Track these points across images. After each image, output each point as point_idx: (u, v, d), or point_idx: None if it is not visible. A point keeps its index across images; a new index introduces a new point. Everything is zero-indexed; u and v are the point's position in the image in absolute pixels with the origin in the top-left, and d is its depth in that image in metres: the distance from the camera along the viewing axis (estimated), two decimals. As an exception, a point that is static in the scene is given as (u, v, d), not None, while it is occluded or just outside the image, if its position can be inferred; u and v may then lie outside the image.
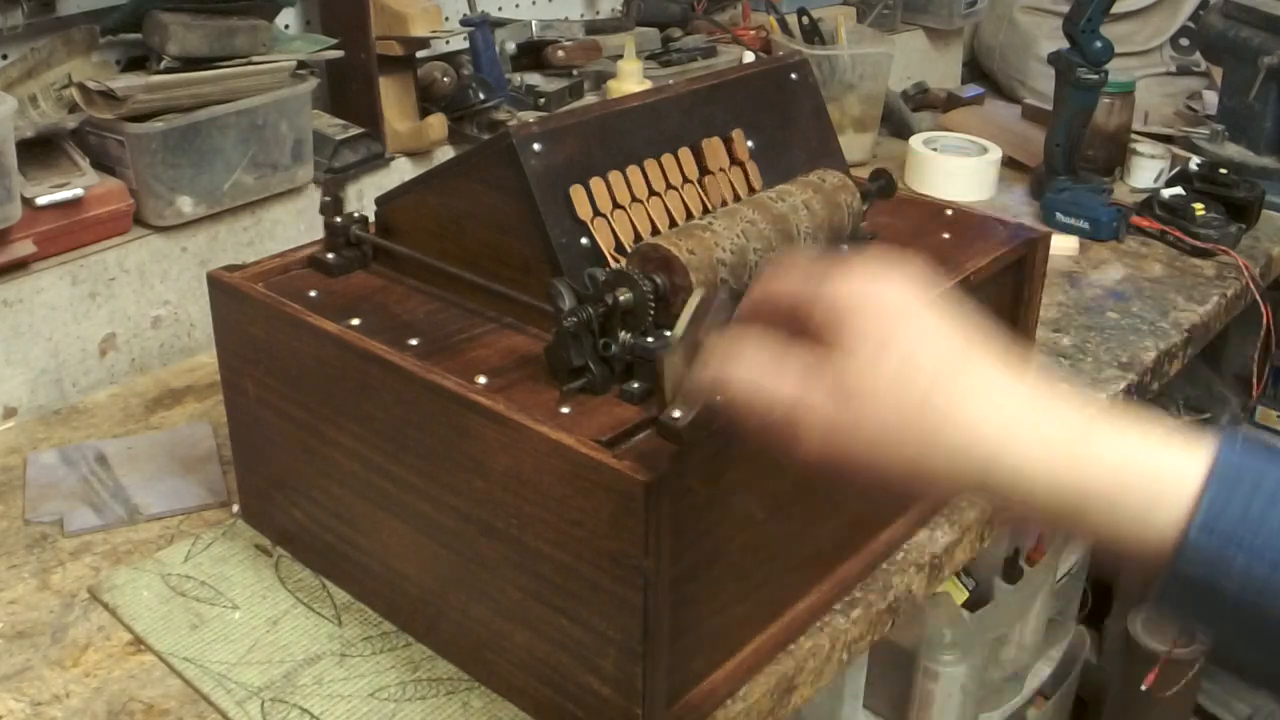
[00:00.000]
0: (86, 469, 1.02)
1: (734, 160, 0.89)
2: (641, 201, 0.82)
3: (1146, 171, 1.69)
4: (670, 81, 1.20)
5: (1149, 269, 1.44)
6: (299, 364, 0.82)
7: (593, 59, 1.60)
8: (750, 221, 0.81)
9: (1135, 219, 1.52)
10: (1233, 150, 1.72)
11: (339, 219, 0.90)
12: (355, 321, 0.81)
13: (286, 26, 1.35)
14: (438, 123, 1.39)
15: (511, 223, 0.79)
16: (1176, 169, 1.65)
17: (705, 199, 0.86)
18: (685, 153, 0.86)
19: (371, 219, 0.91)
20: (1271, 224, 1.56)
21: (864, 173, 0.97)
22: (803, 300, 0.53)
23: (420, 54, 1.40)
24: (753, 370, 0.53)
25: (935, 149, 1.66)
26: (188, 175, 1.15)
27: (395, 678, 0.80)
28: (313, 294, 0.86)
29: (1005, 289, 0.98)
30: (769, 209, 0.82)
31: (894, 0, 2.04)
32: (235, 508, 0.96)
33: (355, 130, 1.32)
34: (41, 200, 1.06)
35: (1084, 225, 1.51)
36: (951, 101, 1.97)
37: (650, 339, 0.72)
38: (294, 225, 1.28)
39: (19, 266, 1.07)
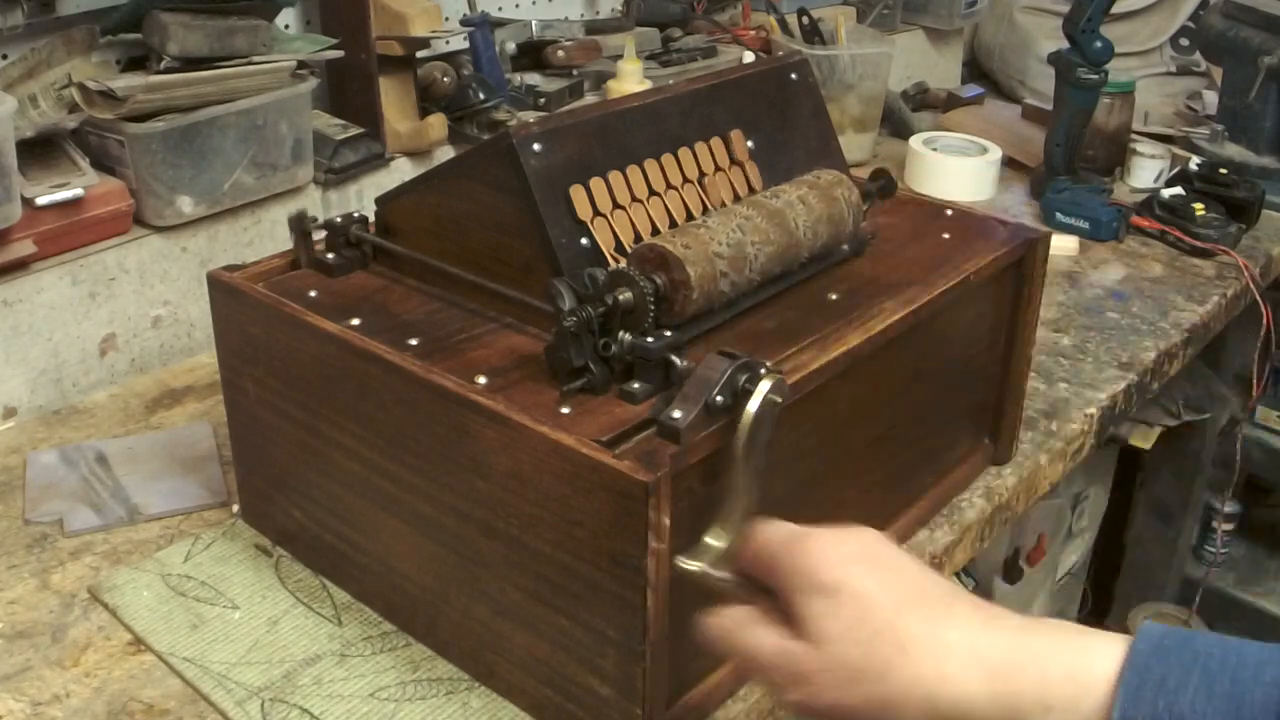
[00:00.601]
0: (86, 469, 1.02)
1: (734, 160, 0.89)
2: (641, 201, 0.82)
3: (1146, 171, 1.69)
4: (670, 81, 1.20)
5: (1149, 269, 1.44)
6: (299, 364, 0.82)
7: (593, 59, 1.60)
8: (746, 217, 0.81)
9: (1135, 219, 1.52)
10: (1233, 150, 1.72)
11: (338, 219, 0.90)
12: (355, 321, 0.81)
13: (286, 26, 1.35)
14: (438, 123, 1.39)
15: (511, 223, 0.79)
16: (1176, 169, 1.65)
17: (705, 199, 0.86)
18: (685, 153, 0.86)
19: (371, 219, 0.91)
20: (1271, 224, 1.57)
21: (864, 173, 0.97)
22: (770, 570, 0.60)
23: (420, 54, 1.40)
24: (739, 633, 0.60)
25: (935, 149, 1.66)
26: (188, 175, 1.15)
27: (395, 678, 0.80)
28: (313, 294, 0.86)
29: (1005, 289, 0.98)
30: (767, 207, 0.83)
31: (894, 0, 2.04)
32: (235, 508, 0.96)
33: (355, 130, 1.32)
34: (41, 200, 1.06)
35: (1084, 225, 1.51)
36: (951, 101, 1.97)
37: (650, 339, 0.72)
38: (294, 225, 1.28)
39: (19, 266, 1.07)
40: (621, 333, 0.73)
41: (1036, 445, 1.08)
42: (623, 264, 0.77)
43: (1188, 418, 1.75)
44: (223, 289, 0.87)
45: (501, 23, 1.55)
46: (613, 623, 0.68)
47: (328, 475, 0.84)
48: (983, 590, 1.44)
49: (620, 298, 0.73)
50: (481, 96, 1.42)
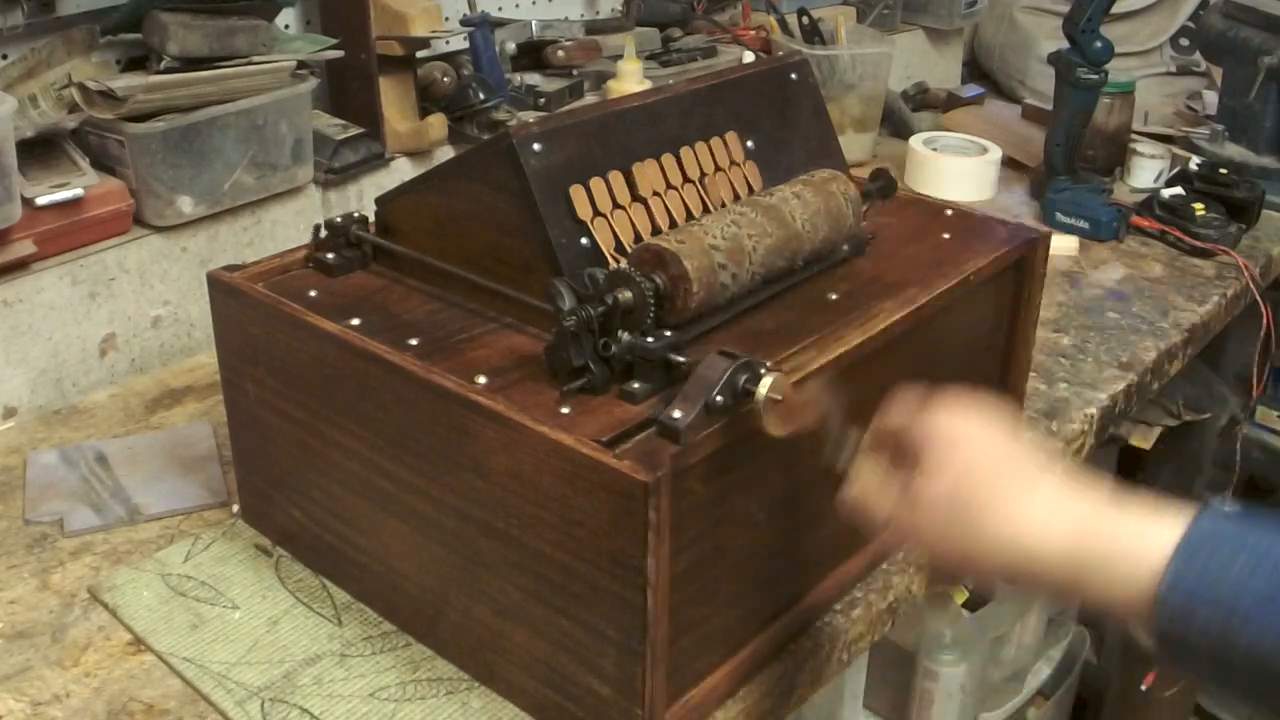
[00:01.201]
0: (86, 469, 1.02)
1: (734, 160, 0.89)
2: (641, 201, 0.82)
3: (1146, 171, 1.69)
4: (670, 81, 1.20)
5: (1149, 269, 1.44)
6: (299, 364, 0.82)
7: (593, 59, 1.60)
8: (740, 213, 0.81)
9: (1135, 219, 1.52)
10: (1233, 150, 1.72)
11: (339, 218, 0.90)
12: (355, 321, 0.81)
13: (286, 26, 1.35)
14: (438, 123, 1.39)
15: (511, 223, 0.79)
16: (1176, 169, 1.65)
17: (705, 199, 0.86)
18: (685, 153, 0.86)
19: (371, 219, 0.91)
20: (1271, 224, 1.56)
21: (864, 173, 0.97)
22: (903, 432, 0.69)
23: (420, 54, 1.40)
24: (870, 488, 0.71)
25: (935, 149, 1.66)
26: (188, 175, 1.15)
27: (395, 678, 0.80)
28: (313, 294, 0.86)
29: (1005, 289, 0.98)
30: (762, 204, 0.83)
31: (894, 0, 2.04)
32: (235, 508, 0.96)
33: (355, 130, 1.32)
34: (41, 200, 1.06)
35: (1084, 225, 1.51)
36: (951, 101, 1.97)
37: (650, 339, 0.72)
38: (294, 225, 1.28)
39: (19, 266, 1.07)
40: (621, 333, 0.73)
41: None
42: (623, 264, 0.77)
43: (1188, 418, 1.74)
44: (223, 289, 0.87)
45: (501, 23, 1.55)
46: (613, 623, 0.68)
47: (328, 475, 0.84)
48: (983, 590, 1.44)
49: (620, 297, 0.73)
50: (481, 96, 1.42)
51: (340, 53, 1.28)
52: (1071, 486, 0.63)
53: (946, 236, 0.97)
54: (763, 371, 0.68)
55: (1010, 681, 1.55)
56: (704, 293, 0.75)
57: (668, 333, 0.72)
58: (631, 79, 1.52)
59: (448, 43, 1.49)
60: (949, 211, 1.01)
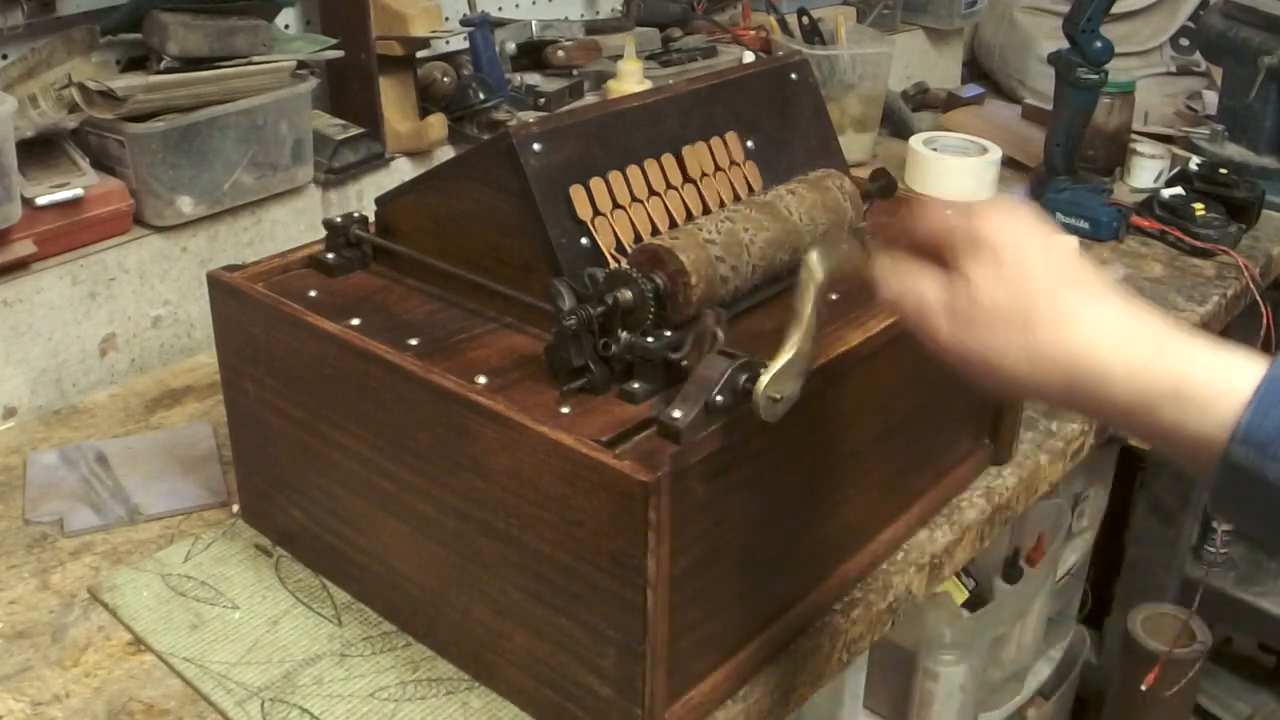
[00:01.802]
0: (86, 469, 1.02)
1: (734, 160, 0.89)
2: (641, 201, 0.82)
3: (1146, 171, 1.69)
4: (670, 81, 1.20)
5: (1149, 269, 1.44)
6: (299, 364, 0.82)
7: (593, 59, 1.60)
8: (735, 209, 0.81)
9: (1135, 219, 1.52)
10: (1233, 150, 1.72)
11: (339, 218, 0.90)
12: (355, 321, 0.81)
13: (286, 26, 1.35)
14: (438, 123, 1.39)
15: (511, 223, 0.79)
16: (1176, 169, 1.65)
17: (705, 199, 0.86)
18: (685, 153, 0.86)
19: (371, 219, 0.91)
20: (1271, 224, 1.56)
21: (864, 173, 0.97)
22: (945, 230, 0.64)
23: (420, 54, 1.40)
24: (900, 278, 0.65)
25: (935, 149, 1.66)
26: (188, 175, 1.15)
27: (395, 678, 0.80)
28: (313, 294, 0.86)
29: (1005, 289, 0.98)
30: (758, 201, 0.83)
31: (894, 0, 2.04)
32: (235, 508, 0.96)
33: (355, 130, 1.32)
34: (41, 200, 1.06)
35: (1084, 225, 1.51)
36: (951, 101, 1.97)
37: (650, 339, 0.72)
38: (294, 225, 1.28)
39: (19, 266, 1.07)
40: (621, 333, 0.73)
41: (1036, 445, 1.08)
42: (623, 264, 0.77)
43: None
44: (223, 289, 0.87)
45: (501, 23, 1.55)
46: (613, 623, 0.68)
47: (328, 475, 0.84)
48: (983, 590, 1.44)
49: (620, 297, 0.73)
50: (481, 96, 1.42)
51: (340, 53, 1.28)
52: (1139, 307, 0.59)
53: (946, 236, 0.97)
54: (762, 371, 0.67)
55: (1010, 681, 1.55)
56: (704, 285, 0.75)
57: (668, 333, 0.72)
58: (631, 79, 1.52)
59: (448, 43, 1.49)
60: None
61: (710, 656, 0.76)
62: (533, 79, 1.55)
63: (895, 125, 1.89)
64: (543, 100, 1.51)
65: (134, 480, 1.00)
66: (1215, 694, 1.98)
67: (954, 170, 1.63)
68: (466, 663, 0.80)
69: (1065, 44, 1.53)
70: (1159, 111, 1.99)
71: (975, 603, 1.41)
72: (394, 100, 1.37)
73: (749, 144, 0.91)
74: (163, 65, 1.13)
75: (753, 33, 1.80)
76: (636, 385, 0.72)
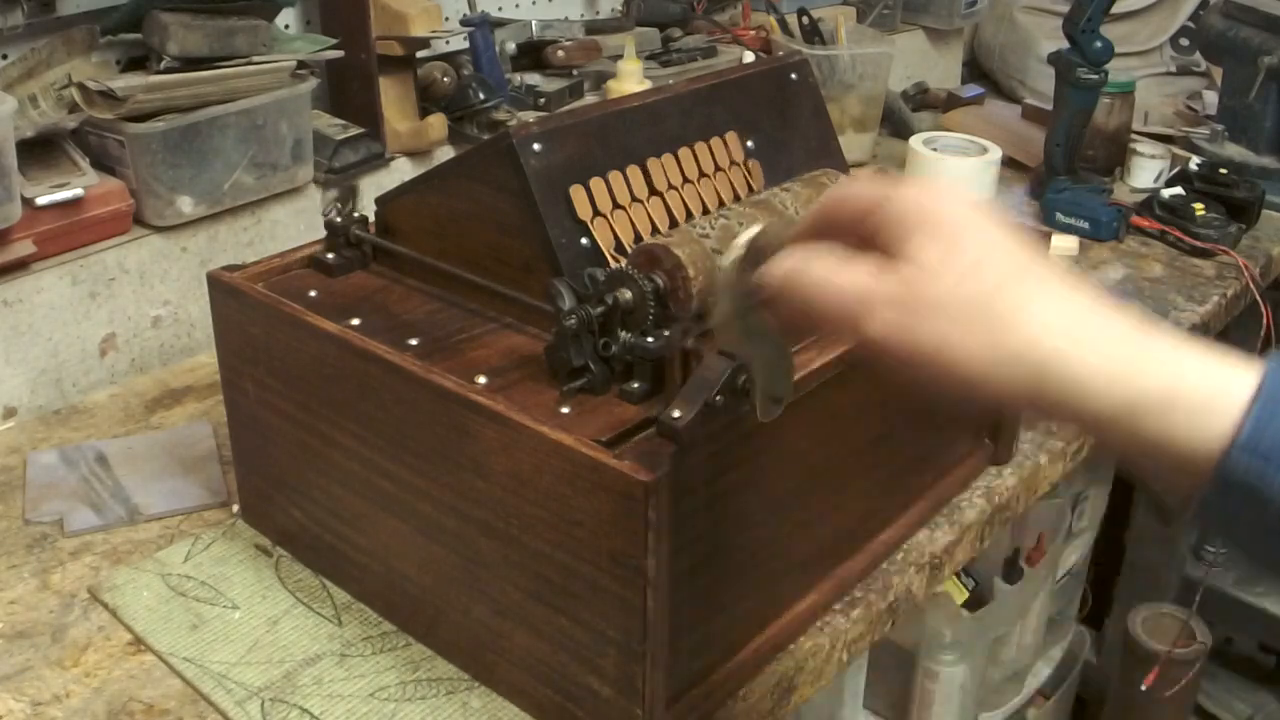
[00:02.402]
0: (86, 469, 1.02)
1: (734, 160, 0.89)
2: (641, 201, 0.82)
3: (1146, 171, 1.69)
4: (670, 81, 1.20)
5: (1149, 269, 1.44)
6: (299, 364, 0.82)
7: (593, 59, 1.60)
8: (732, 209, 0.81)
9: (1135, 219, 1.52)
10: (1233, 150, 1.72)
11: (339, 219, 0.90)
12: (355, 321, 0.81)
13: (286, 26, 1.35)
14: (438, 123, 1.39)
15: (511, 223, 0.79)
16: (1176, 169, 1.65)
17: (705, 199, 0.86)
18: (685, 153, 0.86)
19: (371, 219, 0.91)
20: (1271, 224, 1.56)
21: (864, 173, 0.97)
22: (870, 208, 0.54)
23: (420, 54, 1.40)
24: (824, 265, 0.54)
25: (935, 149, 1.66)
26: (188, 175, 1.15)
27: (395, 678, 0.80)
28: (313, 294, 0.86)
29: (1005, 289, 0.98)
30: (771, 211, 0.83)
31: (894, 0, 2.04)
32: (235, 508, 0.96)
33: (355, 130, 1.32)
34: (41, 200, 1.06)
35: (1084, 225, 1.51)
36: (951, 101, 1.97)
37: (650, 339, 0.72)
38: (294, 225, 1.28)
39: (19, 266, 1.07)
40: (621, 333, 0.73)
41: (1036, 445, 1.08)
42: (622, 264, 0.77)
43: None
44: (223, 289, 0.87)
45: (501, 23, 1.55)
46: (613, 623, 0.68)
47: (328, 475, 0.84)
48: (983, 590, 1.44)
49: (620, 297, 0.73)
50: (481, 96, 1.42)
51: (340, 53, 1.28)
52: (1111, 304, 0.52)
53: (946, 236, 0.97)
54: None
55: (1010, 681, 1.55)
56: (702, 279, 0.75)
57: (668, 333, 0.72)
58: (631, 79, 1.52)
59: (448, 43, 1.49)
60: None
61: (710, 656, 0.76)
62: (533, 79, 1.55)
63: (895, 125, 1.89)
64: (543, 100, 1.51)
65: (134, 480, 1.00)
66: (1215, 694, 1.98)
67: (954, 170, 1.63)
68: (466, 663, 0.80)
69: (1065, 44, 1.53)
70: (1159, 111, 1.99)
71: (975, 603, 1.41)
72: (394, 100, 1.37)
73: (749, 144, 0.91)
74: (163, 65, 1.13)
75: (753, 33, 1.80)
76: (636, 385, 0.72)
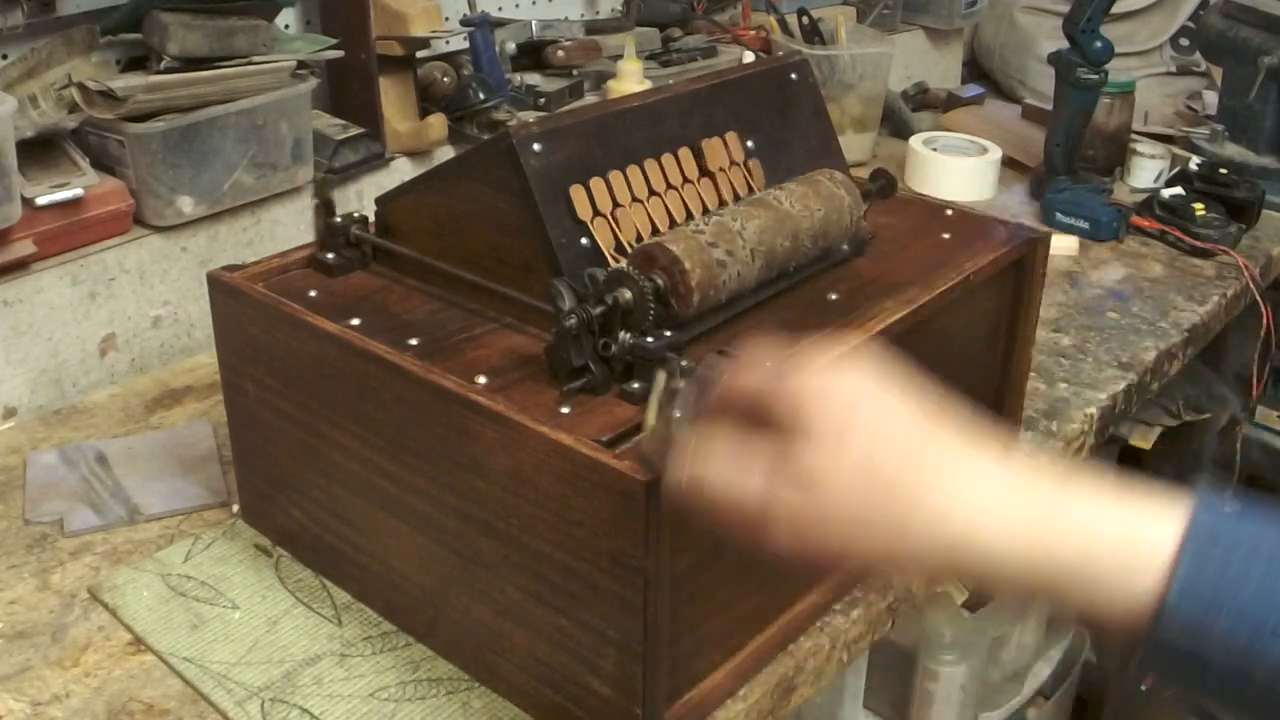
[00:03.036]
0: (86, 469, 1.01)
1: (734, 160, 0.89)
2: (641, 201, 0.82)
3: (1146, 171, 1.69)
4: (670, 81, 1.20)
5: (1149, 269, 1.44)
6: (299, 364, 0.82)
7: (593, 59, 1.60)
8: (726, 208, 0.81)
9: (1135, 219, 1.52)
10: (1233, 150, 1.72)
11: (338, 219, 0.90)
12: (355, 321, 0.81)
13: (286, 26, 1.35)
14: (438, 123, 1.39)
15: (511, 223, 0.79)
16: (1176, 169, 1.65)
17: (705, 199, 0.86)
18: (685, 153, 0.86)
19: (371, 219, 0.91)
20: (1271, 224, 1.56)
21: (864, 173, 0.97)
22: (764, 395, 0.53)
23: (420, 54, 1.40)
24: (721, 467, 0.53)
25: (935, 149, 1.66)
26: (188, 175, 1.15)
27: (395, 678, 0.80)
28: (313, 294, 0.86)
29: (1005, 289, 0.98)
30: (766, 207, 0.83)
31: (894, 0, 2.04)
32: (235, 508, 0.96)
33: (355, 130, 1.32)
34: (41, 200, 1.06)
35: (1084, 225, 1.51)
36: (951, 101, 1.97)
37: (650, 339, 0.72)
38: (294, 225, 1.28)
39: (19, 266, 1.07)
40: (621, 333, 0.73)
41: (1036, 445, 1.08)
42: (623, 264, 0.77)
43: (1188, 418, 1.74)
44: (223, 289, 0.87)
45: (501, 23, 1.55)
46: (613, 623, 0.68)
47: (328, 475, 0.84)
48: (983, 590, 1.44)
49: (620, 297, 0.73)
50: (481, 96, 1.42)
51: (340, 53, 1.28)
52: (1014, 463, 0.50)
53: (946, 236, 0.97)
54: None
55: (1010, 681, 1.55)
56: (700, 270, 0.75)
57: (667, 333, 0.72)
58: (631, 79, 1.52)
59: (448, 43, 1.49)
60: (949, 211, 1.01)
61: (710, 656, 0.76)
62: (533, 79, 1.55)
63: (895, 125, 1.89)
64: (543, 100, 1.51)
65: (134, 480, 1.00)
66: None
67: (954, 170, 1.63)
68: (466, 663, 0.80)
69: (1065, 44, 1.53)
70: (1159, 111, 1.99)
71: (975, 603, 1.41)
72: (394, 100, 1.37)
73: (749, 144, 0.91)
74: (163, 65, 1.13)
75: (753, 33, 1.80)
76: (636, 385, 0.72)
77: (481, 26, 1.46)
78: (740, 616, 0.78)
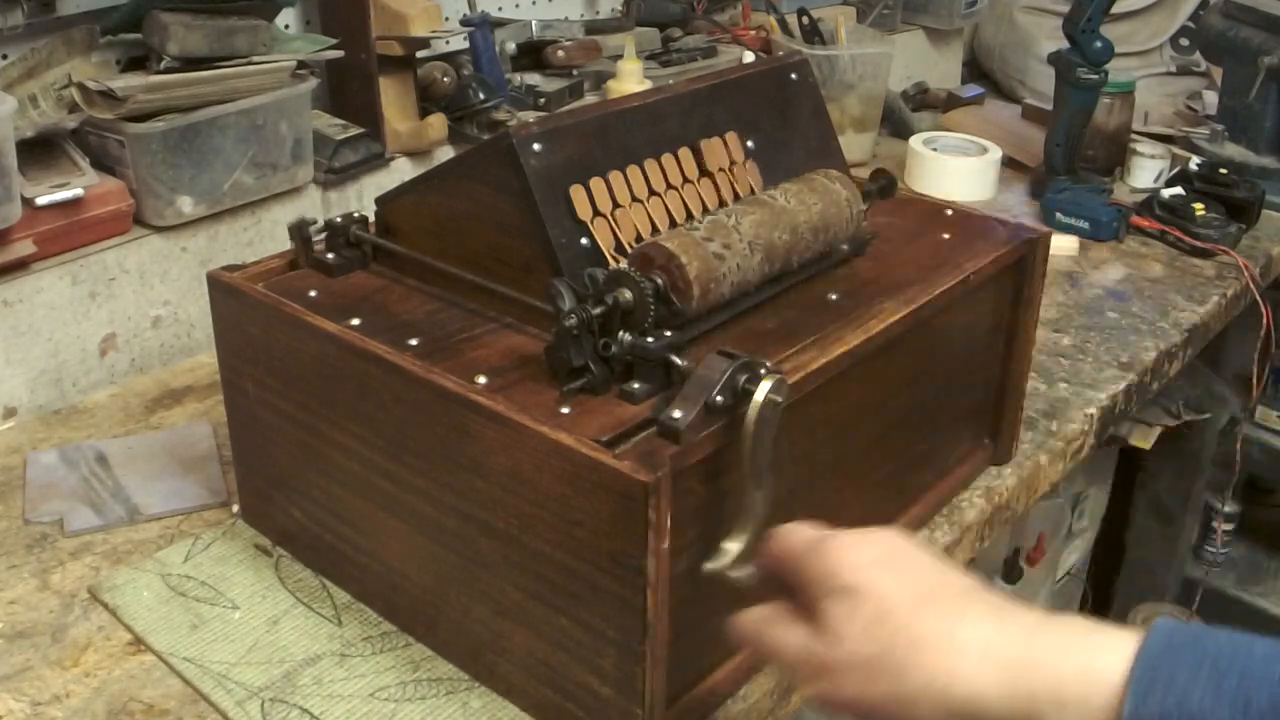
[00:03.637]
0: (86, 469, 1.02)
1: (733, 160, 0.89)
2: (641, 201, 0.82)
3: (1146, 171, 1.69)
4: (670, 81, 1.20)
5: (1149, 269, 1.44)
6: (299, 364, 0.82)
7: (593, 59, 1.60)
8: (735, 206, 0.81)
9: (1135, 219, 1.52)
10: (1233, 150, 1.72)
11: (339, 218, 0.90)
12: (355, 321, 0.81)
13: (286, 26, 1.35)
14: (438, 123, 1.39)
15: (511, 223, 0.79)
16: (1176, 169, 1.65)
17: (705, 199, 0.86)
18: (685, 153, 0.86)
19: (371, 219, 0.91)
20: (1271, 224, 1.57)
21: (864, 173, 0.97)
22: (795, 572, 0.63)
23: (420, 54, 1.40)
24: (774, 634, 0.64)
25: (935, 149, 1.66)
26: (188, 175, 1.15)
27: (395, 678, 0.80)
28: (313, 294, 0.86)
29: (1005, 289, 0.98)
30: (761, 205, 0.83)
31: (894, 0, 2.04)
32: (235, 508, 0.96)
33: (355, 130, 1.32)
34: (41, 200, 1.06)
35: (1084, 225, 1.51)
36: (951, 101, 1.97)
37: (650, 339, 0.72)
38: (294, 225, 1.28)
39: (19, 266, 1.07)
40: (621, 333, 0.73)
41: (1036, 445, 1.08)
42: (623, 264, 0.77)
43: (1188, 418, 1.75)
44: (223, 289, 0.87)
45: (501, 23, 1.55)
46: (613, 623, 0.68)
47: (328, 475, 0.84)
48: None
49: (620, 297, 0.72)
50: (481, 96, 1.42)
51: (340, 53, 1.28)
52: (998, 614, 0.58)
53: (946, 236, 0.97)
54: (763, 372, 0.68)
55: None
56: (697, 264, 0.74)
57: (668, 333, 0.72)
58: (631, 79, 1.52)
59: (448, 43, 1.49)
60: (949, 211, 1.01)
61: (710, 656, 0.76)
62: (533, 79, 1.55)
63: (895, 125, 1.89)
64: (543, 100, 1.51)
65: (134, 480, 1.00)
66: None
67: (954, 170, 1.63)
68: (466, 663, 0.80)
69: (1065, 44, 1.53)
70: (1159, 111, 1.99)
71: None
72: (394, 100, 1.37)
73: (749, 144, 0.91)
74: (163, 65, 1.13)
75: (753, 33, 1.80)
76: (636, 385, 0.72)
77: (481, 26, 1.46)
78: (740, 616, 0.78)
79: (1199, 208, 1.48)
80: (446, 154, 1.41)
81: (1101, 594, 2.01)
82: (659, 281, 0.74)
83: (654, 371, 0.72)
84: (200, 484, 0.99)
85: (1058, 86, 1.56)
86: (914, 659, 0.57)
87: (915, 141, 1.68)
